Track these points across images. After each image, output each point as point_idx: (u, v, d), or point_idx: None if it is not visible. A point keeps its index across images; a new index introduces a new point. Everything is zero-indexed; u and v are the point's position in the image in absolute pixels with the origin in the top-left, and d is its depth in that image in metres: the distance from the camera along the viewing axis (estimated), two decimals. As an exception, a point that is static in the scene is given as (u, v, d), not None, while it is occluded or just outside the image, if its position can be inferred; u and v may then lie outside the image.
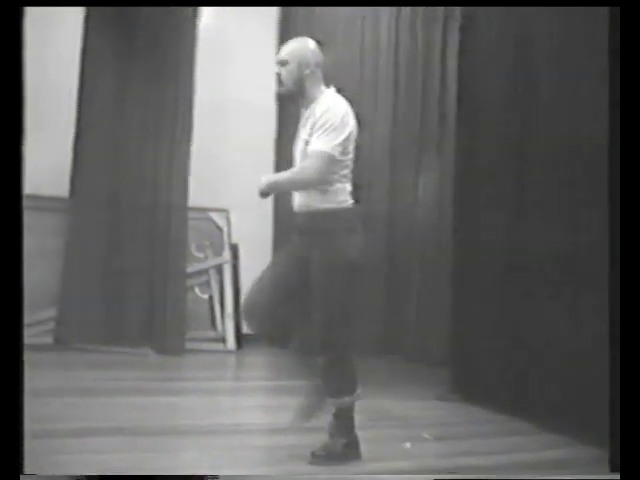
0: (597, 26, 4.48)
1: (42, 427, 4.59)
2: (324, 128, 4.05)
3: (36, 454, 4.06)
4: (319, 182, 4.09)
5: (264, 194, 4.18)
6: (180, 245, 7.99)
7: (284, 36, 8.77)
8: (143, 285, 7.88)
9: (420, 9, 8.15)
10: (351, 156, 4.22)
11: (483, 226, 6.07)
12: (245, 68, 8.72)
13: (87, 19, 7.86)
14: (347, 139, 4.13)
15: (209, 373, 7.07)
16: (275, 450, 4.46)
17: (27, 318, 7.46)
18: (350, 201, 4.22)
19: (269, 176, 4.26)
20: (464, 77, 6.61)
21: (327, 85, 4.28)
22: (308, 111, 4.20)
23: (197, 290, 8.43)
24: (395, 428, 5.18)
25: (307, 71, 4.19)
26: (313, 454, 4.21)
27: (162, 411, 5.34)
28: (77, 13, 7.88)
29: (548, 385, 5.23)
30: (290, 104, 4.41)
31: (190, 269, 8.27)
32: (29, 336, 7.47)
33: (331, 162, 4.07)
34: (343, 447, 4.25)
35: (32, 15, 7.49)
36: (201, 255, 8.52)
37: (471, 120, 6.38)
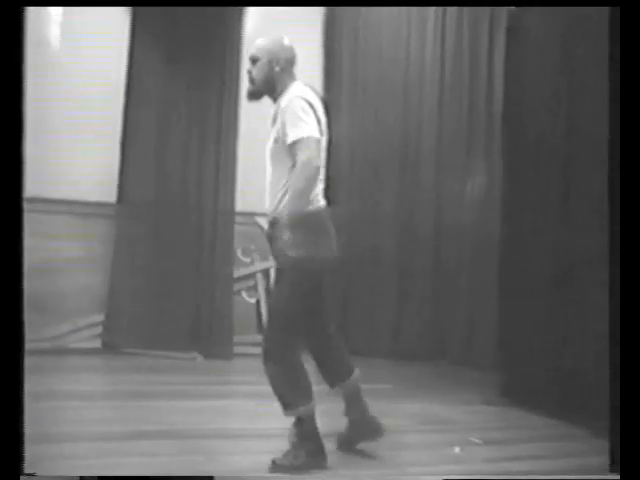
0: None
1: (91, 430, 4.64)
2: (300, 114, 3.86)
3: (86, 456, 4.11)
4: (319, 171, 3.89)
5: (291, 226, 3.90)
6: (227, 249, 8.02)
7: (329, 39, 8.81)
8: (190, 290, 7.90)
9: (466, 11, 8.10)
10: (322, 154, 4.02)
11: (530, 229, 6.02)
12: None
13: (133, 25, 7.92)
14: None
15: (257, 377, 7.05)
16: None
17: (75, 323, 7.58)
18: (321, 202, 4.02)
19: (281, 213, 3.93)
20: (511, 78, 6.57)
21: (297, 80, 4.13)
22: (275, 106, 4.06)
23: (244, 294, 8.44)
24: (443, 433, 5.15)
25: (277, 68, 4.05)
26: (274, 462, 4.07)
27: (211, 415, 5.35)
28: (123, 20, 7.95)
29: (598, 389, 5.17)
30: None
31: (237, 273, 8.28)
32: (77, 341, 7.58)
33: (319, 145, 3.87)
34: (306, 456, 4.09)
35: (78, 24, 7.67)
36: (248, 259, 8.53)
37: (518, 122, 6.33)
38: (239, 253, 8.45)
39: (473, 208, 8.01)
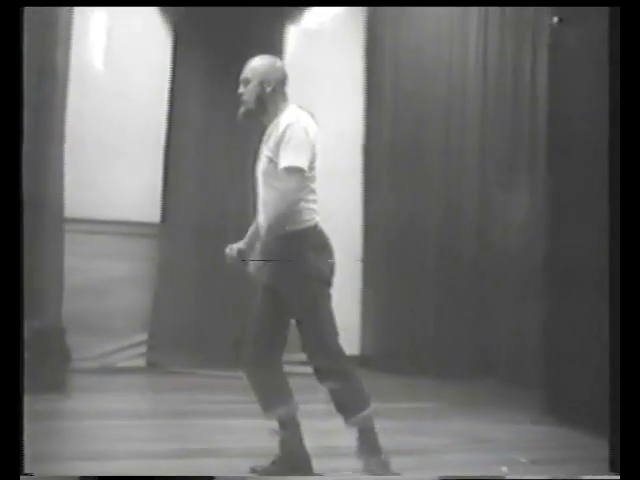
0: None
1: (137, 448, 4.65)
2: (292, 144, 3.90)
3: (130, 473, 4.11)
4: (299, 201, 3.96)
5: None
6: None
7: (371, 50, 8.91)
8: (234, 308, 7.90)
9: (507, 27, 8.05)
10: (315, 173, 4.07)
11: (576, 246, 5.96)
12: (331, 86, 8.71)
13: (175, 45, 7.99)
14: (312, 154, 3.99)
15: (302, 396, 7.03)
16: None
17: (120, 342, 7.62)
18: (316, 219, 4.07)
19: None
20: (554, 93, 6.52)
21: (290, 102, 4.12)
22: (270, 127, 4.06)
23: (289, 313, 8.42)
24: (489, 451, 5.09)
25: (269, 89, 4.05)
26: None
27: (256, 433, 5.32)
28: (165, 40, 8.03)
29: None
30: (254, 124, 4.18)
31: (281, 291, 8.27)
32: (122, 360, 7.62)
33: (304, 178, 3.94)
34: (378, 466, 4.07)
35: (119, 44, 7.76)
36: (292, 278, 8.52)
37: (562, 137, 6.28)
38: (283, 270, 8.43)
39: (517, 224, 7.92)
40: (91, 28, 7.89)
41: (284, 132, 3.92)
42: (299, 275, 4.01)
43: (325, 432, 5.50)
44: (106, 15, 7.90)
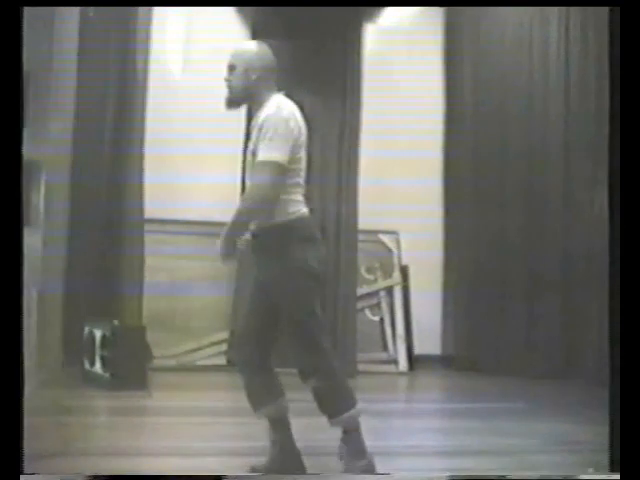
0: None
1: (216, 446, 4.65)
2: (269, 135, 3.67)
3: (215, 470, 4.11)
4: (275, 196, 3.70)
5: (226, 256, 3.98)
6: (350, 267, 8.00)
7: (450, 50, 8.84)
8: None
9: (590, 19, 7.89)
10: (301, 165, 3.83)
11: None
12: (411, 90, 8.66)
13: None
14: (295, 145, 3.74)
15: (381, 395, 7.00)
16: (451, 473, 4.33)
17: (200, 341, 7.69)
18: (302, 210, 3.82)
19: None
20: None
21: (279, 90, 3.93)
22: (254, 120, 3.86)
23: (368, 312, 8.41)
24: (577, 453, 4.98)
25: (254, 76, 3.84)
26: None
27: (333, 432, 5.28)
28: (242, 38, 8.06)
29: None
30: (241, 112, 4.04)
31: (361, 291, 8.25)
32: (202, 358, 7.69)
33: (282, 171, 3.69)
34: (361, 470, 3.96)
35: (197, 45, 7.81)
36: (371, 277, 8.50)
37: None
38: (363, 271, 8.43)
39: (603, 222, 7.74)
40: (169, 30, 7.97)
41: (264, 123, 3.72)
42: (285, 268, 3.80)
43: (406, 431, 5.44)
44: (184, 16, 7.97)
